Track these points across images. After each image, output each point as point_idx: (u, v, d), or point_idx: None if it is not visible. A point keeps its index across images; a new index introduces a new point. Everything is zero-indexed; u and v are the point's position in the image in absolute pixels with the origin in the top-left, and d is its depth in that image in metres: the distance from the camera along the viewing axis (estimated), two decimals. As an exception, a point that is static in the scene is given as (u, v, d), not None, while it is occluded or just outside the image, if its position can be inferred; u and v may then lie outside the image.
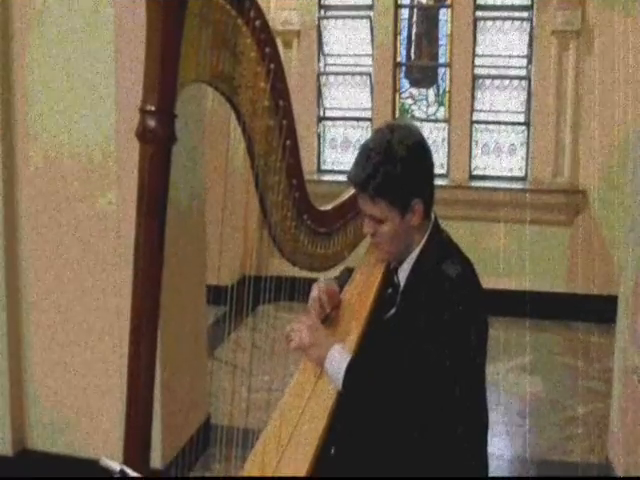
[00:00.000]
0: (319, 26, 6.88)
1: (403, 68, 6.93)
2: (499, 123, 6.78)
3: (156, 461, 3.58)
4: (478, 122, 6.76)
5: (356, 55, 6.96)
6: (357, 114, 7.05)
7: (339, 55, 7.01)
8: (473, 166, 6.79)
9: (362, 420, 2.19)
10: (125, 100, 3.43)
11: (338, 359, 2.14)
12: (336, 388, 2.13)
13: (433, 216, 2.25)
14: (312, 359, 2.22)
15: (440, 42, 6.83)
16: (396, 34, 6.78)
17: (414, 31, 6.89)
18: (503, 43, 6.64)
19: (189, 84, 1.71)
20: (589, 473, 4.05)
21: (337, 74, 7.04)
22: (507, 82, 6.70)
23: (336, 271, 2.60)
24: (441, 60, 6.86)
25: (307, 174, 2.31)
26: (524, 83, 6.66)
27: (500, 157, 6.79)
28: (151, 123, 1.58)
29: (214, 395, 4.30)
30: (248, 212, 6.33)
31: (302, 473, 1.94)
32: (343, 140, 7.09)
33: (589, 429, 4.51)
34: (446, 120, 6.84)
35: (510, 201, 6.40)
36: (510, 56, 6.68)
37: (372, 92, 6.88)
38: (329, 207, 2.47)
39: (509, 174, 6.77)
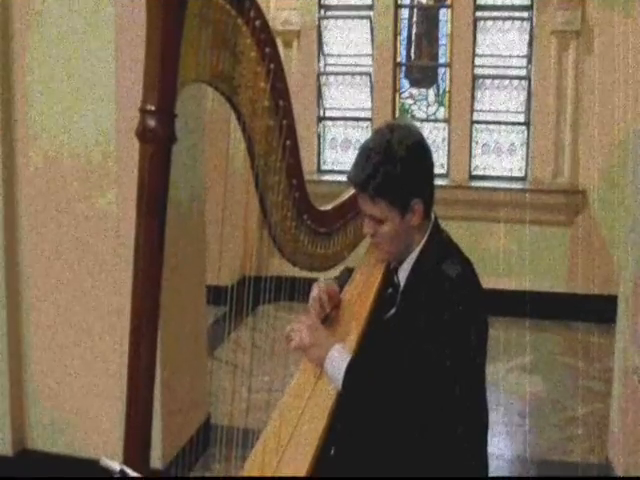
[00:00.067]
0: (319, 26, 6.89)
1: (403, 68, 6.94)
2: (499, 123, 6.78)
3: (156, 461, 3.58)
4: (478, 122, 6.77)
5: (356, 55, 6.96)
6: (357, 114, 7.05)
7: (339, 55, 7.01)
8: (473, 166, 6.79)
9: (362, 420, 2.19)
10: (125, 100, 3.43)
11: (338, 359, 2.14)
12: (336, 388, 2.13)
13: (433, 216, 2.25)
14: (312, 359, 2.22)
15: (440, 42, 6.83)
16: (396, 34, 6.78)
17: (414, 31, 6.90)
18: (503, 43, 6.65)
19: (189, 84, 1.71)
20: (589, 473, 4.05)
21: (337, 74, 7.04)
22: (507, 82, 6.70)
23: (336, 271, 2.60)
24: (441, 60, 6.86)
25: (307, 174, 2.31)
26: (524, 83, 6.66)
27: (500, 157, 6.79)
28: (151, 123, 1.58)
29: (214, 395, 4.30)
30: (248, 212, 6.33)
31: (302, 473, 1.93)
32: (343, 140, 7.10)
33: (589, 429, 4.51)
34: (446, 120, 6.84)
35: (510, 201, 6.41)
36: (510, 56, 6.68)
37: (372, 92, 6.88)
38: (329, 207, 2.47)
39: (509, 174, 6.78)
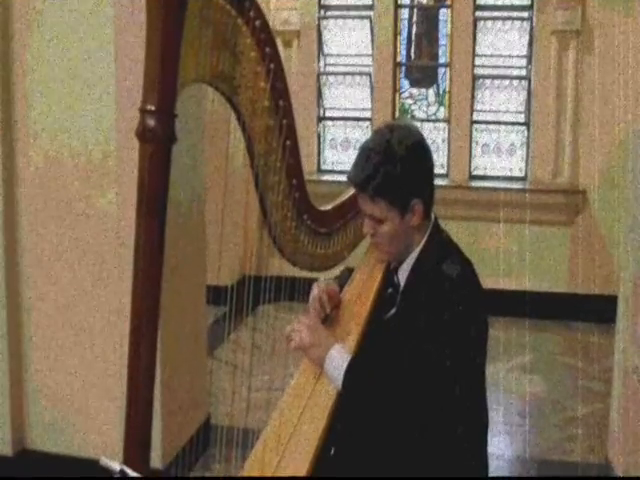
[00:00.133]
0: (319, 26, 6.89)
1: (403, 68, 6.94)
2: (499, 123, 6.78)
3: (156, 461, 3.58)
4: (478, 122, 6.77)
5: (356, 55, 6.96)
6: (357, 114, 7.05)
7: (339, 55, 7.01)
8: (473, 166, 6.80)
9: (362, 420, 2.19)
10: (125, 100, 3.43)
11: (338, 359, 2.14)
12: (336, 388, 2.13)
13: (433, 216, 2.25)
14: (312, 359, 2.22)
15: (440, 42, 6.83)
16: (396, 34, 6.78)
17: (414, 31, 6.90)
18: (503, 43, 6.65)
19: (189, 84, 1.71)
20: (589, 473, 4.05)
21: (337, 74, 7.04)
22: (507, 82, 6.71)
23: (336, 271, 2.60)
24: (441, 60, 6.86)
25: (307, 174, 2.31)
26: (524, 83, 6.66)
27: (500, 157, 6.79)
28: (151, 123, 1.58)
29: (214, 395, 4.30)
30: (248, 212, 6.33)
31: (302, 473, 1.94)
32: (343, 140, 7.10)
33: (589, 429, 4.51)
34: (446, 120, 6.84)
35: (510, 201, 6.41)
36: (510, 56, 6.68)
37: (372, 92, 6.88)
38: (329, 207, 2.47)
39: (509, 174, 6.78)
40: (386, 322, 2.29)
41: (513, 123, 6.78)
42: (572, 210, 6.42)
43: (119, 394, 3.40)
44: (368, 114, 6.95)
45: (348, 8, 6.97)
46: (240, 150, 2.13)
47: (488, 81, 6.72)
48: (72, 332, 3.77)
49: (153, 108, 1.58)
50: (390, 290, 2.34)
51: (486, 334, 2.18)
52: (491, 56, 6.70)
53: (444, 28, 6.78)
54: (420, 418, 2.04)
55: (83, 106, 3.62)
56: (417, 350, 2.05)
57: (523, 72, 6.68)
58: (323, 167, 7.09)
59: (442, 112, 6.91)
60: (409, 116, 6.95)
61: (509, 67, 6.72)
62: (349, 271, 2.63)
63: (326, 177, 6.88)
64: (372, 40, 6.82)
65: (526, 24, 6.61)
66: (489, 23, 6.67)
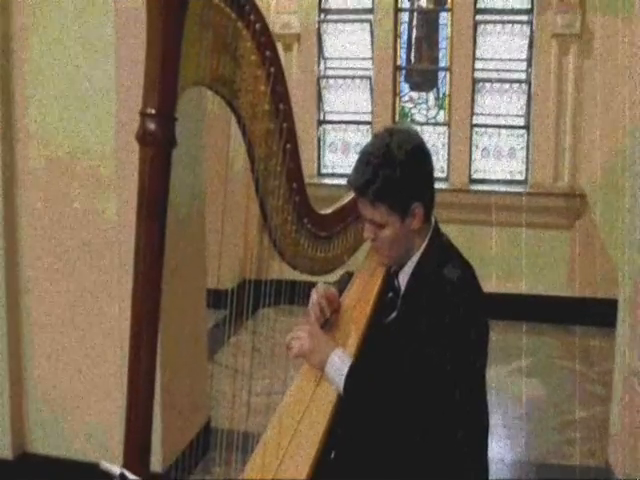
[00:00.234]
0: (319, 29, 6.89)
1: (403, 72, 6.94)
2: (499, 127, 6.78)
3: (156, 465, 3.58)
4: (478, 126, 6.77)
5: (356, 59, 6.96)
6: (357, 118, 7.05)
7: (339, 58, 7.01)
8: (473, 170, 6.79)
9: (363, 424, 2.19)
10: (125, 103, 3.43)
11: (339, 363, 2.14)
12: (336, 392, 2.13)
13: (433, 220, 2.25)
14: (313, 364, 2.22)
15: (440, 46, 6.83)
16: (396, 38, 6.78)
17: (414, 35, 6.89)
18: (503, 46, 6.65)
19: (189, 87, 1.71)
20: (589, 477, 4.04)
21: (337, 77, 7.04)
22: (507, 86, 6.70)
23: (336, 275, 2.60)
24: (441, 64, 6.87)
25: (307, 177, 2.31)
26: (524, 86, 6.66)
27: (500, 161, 6.79)
28: (151, 126, 1.59)
29: (214, 398, 4.30)
30: (248, 216, 6.33)
31: (302, 477, 1.93)
32: (343, 144, 7.09)
33: (589, 433, 4.51)
34: (446, 124, 6.84)
35: (510, 205, 6.41)
36: (510, 59, 6.68)
37: (372, 95, 6.88)
38: (329, 211, 2.47)
39: (509, 178, 6.78)
40: (387, 326, 2.29)
41: (513, 127, 6.78)
42: (572, 214, 6.42)
43: (119, 397, 3.39)
44: (368, 118, 6.95)
45: (348, 12, 6.97)
46: (240, 154, 2.13)
47: (488, 85, 6.72)
48: (72, 335, 3.77)
49: (153, 111, 1.58)
50: (390, 294, 2.34)
51: (487, 337, 2.18)
52: (491, 60, 6.70)
53: (444, 32, 6.78)
54: (421, 422, 2.04)
55: (83, 109, 3.62)
56: (418, 354, 2.05)
57: (523, 76, 6.68)
58: (323, 171, 7.09)
59: (442, 116, 6.91)
60: (409, 120, 6.95)
61: (509, 71, 6.72)
62: (349, 275, 2.63)
63: (326, 181, 6.87)
64: (372, 44, 6.82)
65: (526, 28, 6.61)
66: (489, 27, 6.67)
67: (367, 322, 2.33)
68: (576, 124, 6.35)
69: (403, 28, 6.85)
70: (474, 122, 6.73)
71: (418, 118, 6.95)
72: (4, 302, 3.75)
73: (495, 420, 4.37)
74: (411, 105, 6.99)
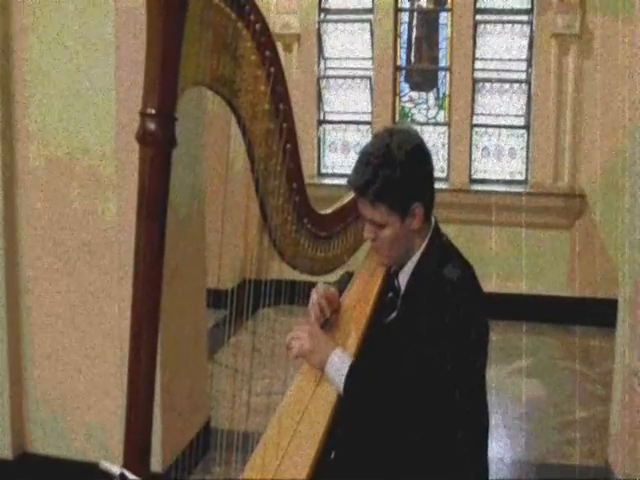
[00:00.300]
0: (319, 29, 6.89)
1: (403, 72, 6.94)
2: (499, 127, 6.78)
3: (156, 465, 3.57)
4: (478, 125, 6.77)
5: (356, 59, 6.96)
6: (357, 117, 7.05)
7: (339, 58, 7.01)
8: (473, 170, 6.79)
9: (363, 424, 2.19)
10: (125, 103, 3.43)
11: (339, 363, 2.14)
12: (336, 392, 2.13)
13: (433, 220, 2.25)
14: (313, 365, 2.22)
15: (440, 45, 6.83)
16: (396, 37, 6.78)
17: (414, 35, 6.89)
18: (503, 46, 6.65)
19: (189, 87, 1.71)
20: (589, 477, 4.04)
21: (337, 77, 7.04)
22: (507, 85, 6.71)
23: (336, 275, 2.60)
24: (441, 63, 6.86)
25: (307, 177, 2.31)
26: (524, 86, 6.66)
27: (500, 161, 6.79)
28: (151, 126, 1.59)
29: (214, 398, 4.30)
30: (248, 215, 6.33)
31: (302, 477, 1.93)
32: (343, 143, 7.09)
33: (589, 432, 4.51)
34: (446, 124, 6.84)
35: (510, 205, 6.41)
36: (510, 59, 6.68)
37: (372, 95, 6.88)
38: (329, 211, 2.47)
39: (509, 178, 6.78)
40: (387, 326, 2.29)
41: (513, 127, 6.78)
42: (572, 214, 6.42)
43: (119, 397, 3.39)
44: (368, 118, 6.95)
45: (348, 12, 6.96)
46: (240, 154, 2.13)
47: (488, 84, 6.72)
48: (72, 335, 3.77)
49: (153, 111, 1.59)
50: (391, 294, 2.34)
51: (487, 337, 2.18)
52: (491, 59, 6.70)
53: (444, 31, 6.78)
54: (421, 422, 2.04)
55: (83, 109, 3.63)
56: (418, 354, 2.05)
57: (523, 76, 6.68)
58: (323, 171, 7.09)
59: (442, 116, 6.91)
60: (409, 120, 6.95)
61: (509, 71, 6.72)
62: (349, 275, 2.62)
63: (326, 181, 6.87)
64: (372, 44, 6.82)
65: (526, 28, 6.61)
66: (489, 26, 6.67)
67: (367, 322, 2.33)
68: (576, 124, 6.35)
69: (403, 28, 6.85)
70: (474, 122, 6.73)
71: (418, 118, 6.95)
72: (4, 302, 3.75)
73: (495, 420, 4.37)
74: (411, 105, 6.99)
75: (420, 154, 2.19)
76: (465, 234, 5.81)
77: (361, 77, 6.96)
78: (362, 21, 6.88)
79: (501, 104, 6.73)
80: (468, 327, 2.07)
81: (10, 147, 3.70)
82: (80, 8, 3.58)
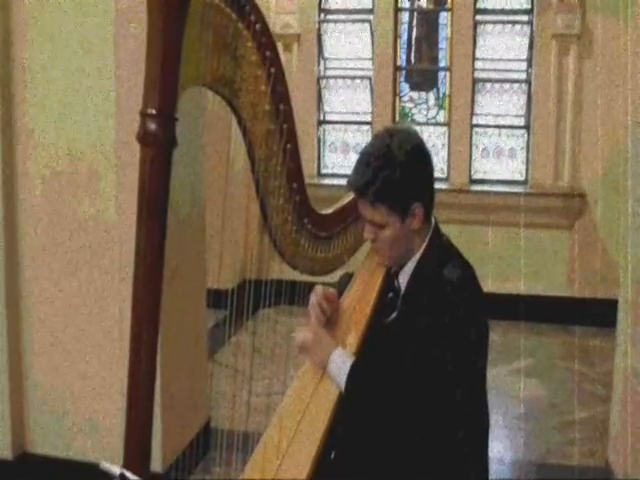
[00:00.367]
0: (319, 30, 6.89)
1: (403, 72, 6.94)
2: (499, 127, 6.77)
3: (156, 465, 3.57)
4: (478, 126, 6.76)
5: (356, 59, 6.96)
6: (357, 118, 7.05)
7: (339, 59, 7.00)
8: (473, 170, 6.79)
9: (363, 424, 2.19)
10: (126, 103, 3.43)
11: (340, 363, 2.14)
12: (337, 391, 2.13)
13: (433, 220, 2.25)
14: (315, 361, 2.22)
15: (440, 46, 6.83)
16: (396, 38, 6.78)
17: (414, 35, 6.89)
18: (503, 47, 6.64)
19: (190, 87, 1.71)
20: (589, 477, 4.04)
21: (337, 78, 7.04)
22: (507, 86, 6.70)
23: (336, 275, 2.60)
24: (441, 64, 6.86)
25: (307, 178, 2.31)
26: (524, 87, 6.66)
27: (500, 161, 6.79)
28: (152, 126, 1.59)
29: (214, 399, 4.30)
30: (248, 216, 6.33)
31: (302, 477, 1.94)
32: (343, 144, 7.09)
33: (589, 433, 4.51)
34: (446, 124, 6.84)
35: (510, 205, 6.41)
36: (510, 60, 6.68)
37: (372, 96, 6.88)
38: (329, 211, 2.47)
39: (509, 178, 6.77)
40: (387, 326, 2.29)
41: (513, 127, 6.77)
42: (572, 214, 6.42)
43: (119, 397, 3.39)
44: (368, 118, 6.95)
45: (348, 12, 6.96)
46: (241, 154, 2.13)
47: (488, 85, 6.72)
48: (72, 335, 3.77)
49: (154, 112, 1.59)
50: (391, 294, 2.34)
51: (487, 338, 2.18)
52: (491, 60, 6.69)
53: (444, 32, 6.78)
54: (421, 422, 2.04)
55: (83, 109, 3.62)
56: (418, 354, 2.05)
57: (523, 76, 6.68)
58: (323, 171, 7.09)
59: (442, 116, 6.91)
60: (409, 120, 6.95)
61: (509, 71, 6.72)
62: (348, 276, 2.62)
63: (326, 181, 6.87)
64: (372, 44, 6.82)
65: (526, 28, 6.61)
66: (489, 27, 6.67)
67: (367, 322, 2.33)
68: (576, 124, 6.34)
69: (403, 28, 6.85)
70: (474, 122, 6.73)
71: (418, 118, 6.95)
72: (4, 302, 3.75)
73: (495, 420, 4.37)
74: (411, 105, 6.99)
75: (420, 154, 2.19)
76: (465, 234, 5.80)
77: (361, 77, 6.96)
78: (362, 21, 6.88)
79: (501, 104, 6.72)
80: (468, 327, 2.07)
81: (10, 147, 3.70)
82: (80, 8, 3.58)
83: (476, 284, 2.18)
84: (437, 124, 6.91)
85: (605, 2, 6.10)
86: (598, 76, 6.14)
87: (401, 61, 6.89)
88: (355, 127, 7.08)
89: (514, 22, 6.66)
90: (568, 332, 6.12)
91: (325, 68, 7.01)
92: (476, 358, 2.14)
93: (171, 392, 3.62)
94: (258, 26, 1.92)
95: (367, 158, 2.16)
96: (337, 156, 7.11)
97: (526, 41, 6.59)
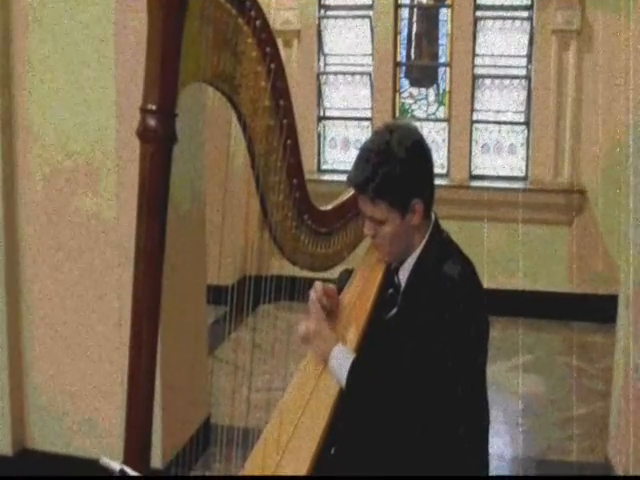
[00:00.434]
0: (319, 26, 6.88)
1: (403, 68, 6.93)
2: (499, 123, 6.77)
3: (156, 461, 3.58)
4: (478, 122, 6.76)
5: (356, 55, 6.96)
6: (357, 114, 7.05)
7: (339, 55, 7.00)
8: (473, 166, 6.79)
9: (363, 419, 2.19)
10: (125, 99, 3.43)
11: (341, 359, 2.14)
12: (337, 386, 2.13)
13: (433, 216, 2.25)
14: (317, 352, 2.22)
15: (440, 42, 6.83)
16: (396, 34, 6.77)
17: (414, 31, 6.89)
18: (503, 43, 6.64)
19: (190, 83, 1.71)
20: (589, 473, 4.05)
21: (337, 74, 7.03)
22: (507, 82, 6.70)
23: (336, 271, 2.60)
24: (441, 60, 6.86)
25: (307, 174, 2.31)
26: (524, 83, 6.66)
27: (500, 157, 6.79)
28: (152, 122, 1.59)
29: (214, 395, 4.30)
30: (249, 212, 6.32)
31: (302, 473, 1.94)
32: (343, 140, 7.09)
33: (589, 429, 4.51)
34: (446, 120, 6.84)
35: (510, 201, 6.40)
36: (510, 56, 6.68)
37: (372, 92, 6.88)
38: (329, 207, 2.47)
39: (509, 174, 6.77)
40: (387, 322, 2.29)
41: (513, 123, 6.77)
42: (572, 210, 6.41)
43: (119, 394, 3.39)
44: (368, 114, 6.94)
45: (348, 8, 6.96)
46: (241, 150, 2.13)
47: (488, 81, 6.72)
48: (73, 331, 3.77)
49: (154, 108, 1.58)
50: (391, 290, 2.34)
51: (487, 334, 2.18)
52: (491, 56, 6.70)
53: (444, 28, 6.78)
54: (421, 418, 2.04)
55: (83, 106, 3.62)
56: (418, 350, 2.05)
57: (523, 72, 6.68)
58: (323, 167, 7.09)
59: (442, 112, 6.91)
60: (409, 116, 6.95)
61: (509, 67, 6.72)
62: (348, 273, 2.62)
63: (326, 177, 6.88)
64: (372, 40, 6.81)
65: (526, 24, 6.60)
66: (489, 23, 6.67)
67: (367, 318, 2.33)
68: (576, 120, 6.34)
69: (403, 24, 6.85)
70: (474, 118, 6.72)
71: (418, 114, 6.94)
72: (4, 299, 3.75)
73: (496, 416, 4.37)
74: (411, 101, 6.98)
75: (420, 150, 2.19)
76: (465, 230, 5.78)
77: (361, 73, 6.96)
78: (362, 17, 6.88)
79: (501, 100, 6.72)
80: (468, 323, 2.07)
81: (10, 144, 3.70)
82: (80, 4, 3.57)
83: (476, 280, 2.18)
84: (437, 120, 6.91)
85: (605, -2, 6.11)
86: (598, 72, 6.14)
87: (401, 57, 6.89)
88: (355, 123, 7.08)
89: (514, 18, 6.66)
90: (568, 328, 6.12)
91: (325, 64, 7.01)
92: (476, 354, 2.14)
93: (171, 388, 3.63)
94: (258, 22, 1.92)
95: (367, 154, 2.16)
96: (337, 152, 7.11)
97: (526, 37, 6.59)
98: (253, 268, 5.36)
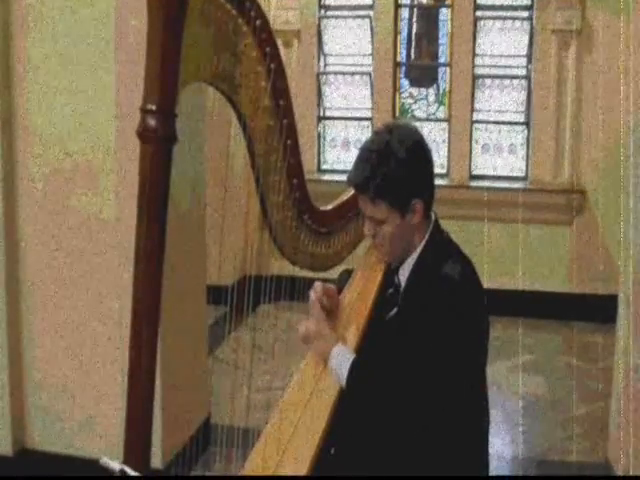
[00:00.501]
0: (319, 26, 6.88)
1: (403, 68, 6.94)
2: (499, 123, 6.77)
3: (156, 461, 3.58)
4: (478, 122, 6.76)
5: (356, 55, 6.96)
6: (357, 114, 7.05)
7: (339, 55, 7.00)
8: (473, 166, 6.79)
9: (364, 419, 2.19)
10: (125, 99, 3.43)
11: (341, 359, 2.14)
12: (338, 386, 2.13)
13: (433, 216, 2.25)
14: (317, 352, 2.23)
15: (440, 42, 6.83)
16: (396, 34, 6.77)
17: (414, 31, 6.89)
18: (503, 43, 6.65)
19: (190, 83, 1.71)
20: (589, 473, 4.04)
21: (337, 74, 7.04)
22: (507, 82, 6.71)
23: (336, 271, 2.60)
24: (441, 60, 6.86)
25: (307, 174, 2.31)
26: (524, 83, 6.66)
27: (500, 157, 6.79)
28: (152, 122, 1.58)
29: (214, 395, 4.30)
30: (249, 212, 6.32)
31: (302, 472, 1.93)
32: (343, 140, 7.09)
33: (589, 429, 4.51)
34: (446, 120, 6.84)
35: (510, 201, 6.40)
36: (510, 56, 6.68)
37: (372, 92, 6.88)
38: (329, 207, 2.47)
39: (509, 174, 6.77)
40: (387, 322, 2.29)
41: (513, 123, 6.78)
42: (572, 210, 6.41)
43: (119, 394, 3.39)
44: (368, 114, 6.95)
45: (348, 8, 6.96)
46: (241, 150, 2.13)
47: (488, 81, 6.72)
48: (73, 331, 3.77)
49: (154, 108, 1.58)
50: (391, 290, 2.34)
51: (487, 334, 2.18)
52: (491, 56, 6.70)
53: (444, 28, 6.78)
54: (421, 418, 2.04)
55: (83, 106, 3.62)
56: (418, 350, 2.05)
57: (523, 72, 6.68)
58: (323, 167, 7.09)
59: (442, 112, 6.91)
60: (409, 116, 6.95)
61: (509, 67, 6.73)
62: (348, 273, 2.62)
63: (326, 177, 6.88)
64: (372, 40, 6.81)
65: (526, 24, 6.60)
66: (489, 23, 6.67)
67: (367, 318, 2.33)
68: (576, 120, 6.34)
69: (403, 24, 6.85)
70: (474, 118, 6.73)
71: (418, 114, 6.95)
72: (5, 299, 3.75)
73: (496, 416, 4.37)
74: (411, 101, 6.98)
75: (420, 150, 2.19)
76: (465, 230, 5.80)
77: (361, 73, 6.96)
78: (362, 17, 6.88)
79: (501, 100, 6.73)
80: (468, 323, 2.07)
81: (10, 144, 3.70)
82: (80, 4, 3.57)
83: (476, 280, 2.18)
84: (437, 120, 6.92)
85: (605, -2, 6.10)
86: (598, 72, 6.14)
87: (401, 57, 6.90)
88: (355, 123, 7.08)
89: (514, 18, 6.66)
90: (568, 328, 6.12)
91: (325, 64, 7.01)
92: (476, 354, 2.14)
93: (171, 388, 3.63)
94: (258, 22, 1.92)
95: (367, 154, 2.16)
96: (337, 152, 7.11)
97: (526, 37, 6.59)
98: (253, 268, 5.34)
